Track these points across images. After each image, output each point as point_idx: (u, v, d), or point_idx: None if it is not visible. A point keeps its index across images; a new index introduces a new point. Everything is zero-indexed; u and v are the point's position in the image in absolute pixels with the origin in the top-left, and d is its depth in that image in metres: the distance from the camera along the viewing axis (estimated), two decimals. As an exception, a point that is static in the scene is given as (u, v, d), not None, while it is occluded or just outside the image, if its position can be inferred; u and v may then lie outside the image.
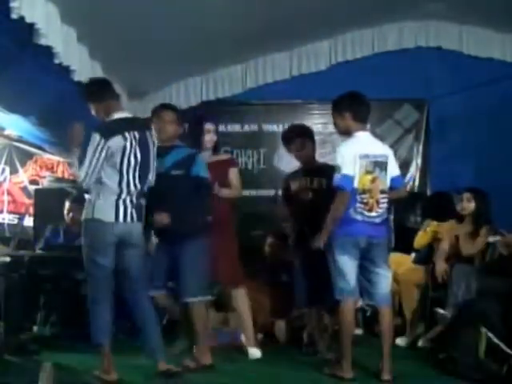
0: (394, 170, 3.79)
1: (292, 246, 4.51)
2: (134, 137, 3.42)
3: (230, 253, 4.24)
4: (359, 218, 3.61)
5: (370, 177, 3.64)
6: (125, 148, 3.38)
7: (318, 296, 4.09)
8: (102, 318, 3.40)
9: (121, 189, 3.39)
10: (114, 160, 3.37)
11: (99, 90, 3.57)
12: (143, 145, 3.48)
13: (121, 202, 3.39)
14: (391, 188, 3.76)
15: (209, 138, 4.29)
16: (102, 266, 3.38)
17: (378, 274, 3.68)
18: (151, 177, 3.57)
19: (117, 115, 3.50)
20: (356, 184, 3.60)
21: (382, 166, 3.69)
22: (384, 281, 3.71)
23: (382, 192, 3.68)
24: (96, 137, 3.33)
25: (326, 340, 4.24)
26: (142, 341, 3.51)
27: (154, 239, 4.05)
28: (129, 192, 3.41)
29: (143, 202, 3.54)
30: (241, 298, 4.28)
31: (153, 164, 3.58)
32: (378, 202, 3.65)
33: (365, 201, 3.61)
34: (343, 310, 3.62)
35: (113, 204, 3.37)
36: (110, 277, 3.43)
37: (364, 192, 3.62)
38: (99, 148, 3.33)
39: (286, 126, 6.50)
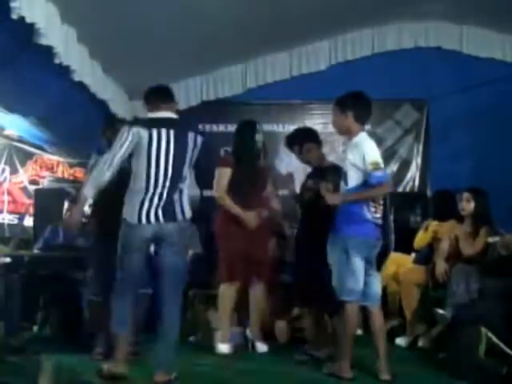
0: None
1: (294, 243, 4.50)
2: (167, 134, 3.30)
3: None
4: (370, 217, 3.57)
5: None
6: (150, 144, 3.28)
7: (318, 297, 4.06)
8: (119, 309, 3.38)
9: (147, 189, 3.30)
10: (141, 159, 3.29)
11: (146, 94, 3.59)
12: (178, 143, 3.34)
13: (146, 203, 3.29)
14: None
15: None
16: (127, 266, 3.34)
17: (372, 275, 3.66)
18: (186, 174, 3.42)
19: (151, 114, 3.46)
20: None
21: None
22: (377, 282, 3.70)
23: None
24: (124, 129, 3.34)
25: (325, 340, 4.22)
26: (157, 338, 3.42)
27: None
28: (155, 192, 3.30)
29: (178, 199, 3.38)
30: (261, 292, 4.38)
31: (190, 162, 3.44)
32: (379, 204, 3.65)
33: (376, 200, 3.61)
34: (350, 311, 3.56)
35: (137, 205, 3.29)
36: (135, 279, 3.40)
37: None
38: (125, 135, 3.27)
39: (286, 126, 6.58)
